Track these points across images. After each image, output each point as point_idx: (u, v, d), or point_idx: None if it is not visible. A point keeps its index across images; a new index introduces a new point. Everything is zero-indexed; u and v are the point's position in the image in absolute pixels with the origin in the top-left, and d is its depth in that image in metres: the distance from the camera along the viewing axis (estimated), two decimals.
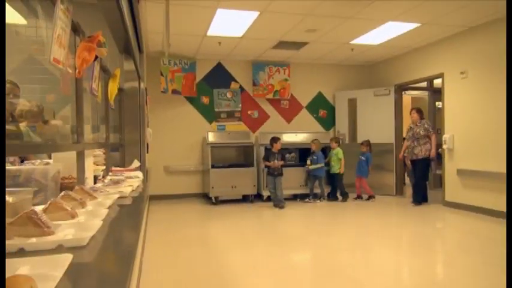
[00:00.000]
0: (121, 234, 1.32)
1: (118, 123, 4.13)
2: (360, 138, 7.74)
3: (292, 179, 7.16)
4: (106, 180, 2.45)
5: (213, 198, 6.95)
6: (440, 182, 6.99)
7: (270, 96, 7.96)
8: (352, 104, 8.13)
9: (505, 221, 5.14)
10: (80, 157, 2.06)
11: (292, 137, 7.41)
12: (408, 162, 6.87)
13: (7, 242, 0.97)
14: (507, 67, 4.75)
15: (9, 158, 1.93)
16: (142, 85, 4.60)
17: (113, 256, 1.07)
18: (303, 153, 7.39)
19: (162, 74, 7.17)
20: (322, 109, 8.40)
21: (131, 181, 2.48)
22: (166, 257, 3.97)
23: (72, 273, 0.83)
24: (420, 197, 6.56)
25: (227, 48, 6.90)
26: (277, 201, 6.47)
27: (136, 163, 3.67)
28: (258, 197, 7.15)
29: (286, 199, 6.95)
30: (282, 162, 6.60)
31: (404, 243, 4.53)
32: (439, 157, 6.75)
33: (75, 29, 1.82)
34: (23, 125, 1.37)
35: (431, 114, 8.71)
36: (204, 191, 7.58)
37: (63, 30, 1.46)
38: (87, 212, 1.43)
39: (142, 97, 4.51)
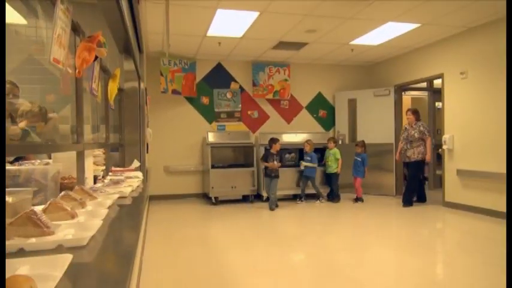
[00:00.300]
0: (121, 234, 1.32)
1: (118, 123, 4.13)
2: (360, 139, 7.74)
3: (292, 179, 7.17)
4: (106, 181, 2.45)
5: (213, 198, 6.95)
6: (440, 182, 6.99)
7: (270, 96, 7.96)
8: (352, 105, 8.13)
9: (504, 221, 5.14)
10: (80, 157, 2.06)
11: (292, 137, 7.41)
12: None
13: (7, 242, 0.97)
14: (507, 67, 4.76)
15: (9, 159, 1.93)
16: (142, 85, 4.59)
17: (113, 256, 1.07)
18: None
19: (162, 74, 7.17)
20: (322, 109, 8.40)
21: (131, 181, 2.48)
22: (166, 257, 3.96)
23: (72, 273, 0.83)
24: (411, 199, 6.47)
25: (227, 49, 6.90)
26: (271, 203, 6.42)
27: (136, 163, 3.67)
28: (258, 197, 7.15)
29: (286, 199, 6.96)
30: (279, 164, 6.56)
31: (404, 244, 4.53)
32: (439, 157, 6.74)
33: (75, 29, 1.81)
34: (22, 125, 1.37)
35: (431, 115, 8.73)
36: (204, 191, 7.58)
37: (63, 30, 1.46)
38: (87, 212, 1.43)
39: (142, 97, 4.51)
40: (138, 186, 2.41)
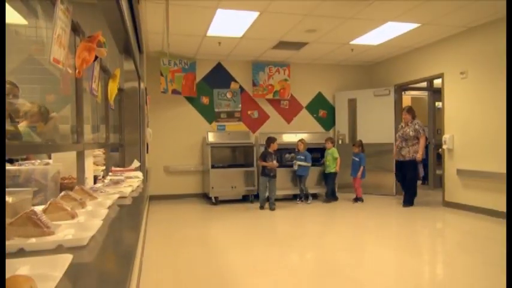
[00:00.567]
0: (121, 234, 1.32)
1: (118, 123, 4.13)
2: (360, 139, 7.74)
3: (292, 179, 7.16)
4: (106, 181, 2.44)
5: (213, 198, 6.95)
6: (440, 182, 6.99)
7: (270, 96, 7.96)
8: (352, 104, 8.13)
9: (505, 221, 5.14)
10: (80, 157, 2.06)
11: (292, 137, 7.40)
12: None
13: (7, 242, 0.97)
14: (507, 67, 4.76)
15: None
16: (142, 85, 4.59)
17: (113, 256, 1.07)
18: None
19: (162, 74, 7.17)
20: (322, 109, 8.40)
21: (131, 181, 2.48)
22: (166, 257, 3.96)
23: (72, 274, 0.83)
24: (411, 199, 6.42)
25: (227, 49, 6.90)
26: (270, 204, 6.39)
27: (136, 163, 3.67)
28: (258, 197, 7.14)
29: (285, 199, 6.95)
30: (277, 164, 6.53)
31: (404, 243, 4.52)
32: (439, 157, 6.71)
33: (75, 29, 1.81)
34: (23, 125, 1.37)
35: (431, 115, 8.73)
36: (204, 191, 7.58)
37: (63, 30, 1.46)
38: (87, 212, 1.43)
39: (142, 97, 4.51)
40: (138, 186, 2.41)
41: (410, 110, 6.53)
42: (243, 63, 7.86)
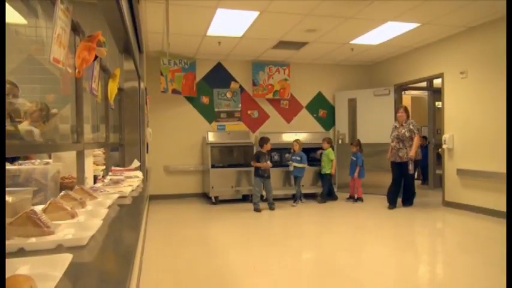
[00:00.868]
0: (121, 234, 1.32)
1: (118, 123, 4.13)
2: (360, 138, 7.74)
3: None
4: (106, 180, 2.44)
5: (212, 198, 6.95)
6: (440, 182, 6.99)
7: (270, 96, 7.96)
8: (352, 104, 8.13)
9: (505, 221, 5.14)
10: (80, 157, 2.06)
11: (292, 137, 7.40)
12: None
13: (7, 242, 0.97)
14: (507, 67, 4.76)
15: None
16: (142, 85, 4.59)
17: (113, 256, 1.07)
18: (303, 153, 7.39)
19: (162, 74, 7.17)
20: (322, 109, 8.40)
21: (131, 181, 2.48)
22: (166, 257, 3.97)
23: (72, 273, 0.83)
24: (412, 199, 6.40)
25: (227, 48, 6.90)
26: (269, 204, 6.37)
27: (136, 163, 3.67)
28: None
29: (284, 199, 6.94)
30: (271, 164, 6.46)
31: (404, 244, 4.52)
32: (438, 157, 6.67)
33: (75, 29, 1.81)
34: (26, 124, 1.37)
35: (431, 114, 8.73)
36: (204, 190, 7.58)
37: (63, 30, 1.46)
38: (87, 212, 1.43)
39: (142, 97, 4.51)
40: (138, 186, 2.41)
41: (406, 109, 6.46)
42: (243, 63, 7.86)
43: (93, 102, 2.76)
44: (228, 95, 7.86)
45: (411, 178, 6.42)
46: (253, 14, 5.12)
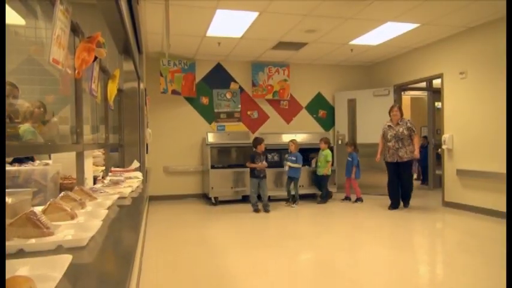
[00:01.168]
0: (121, 234, 1.32)
1: (117, 124, 4.13)
2: (360, 139, 7.75)
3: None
4: (105, 181, 2.44)
5: (212, 198, 6.95)
6: (440, 182, 6.99)
7: (270, 96, 7.96)
8: (352, 105, 8.13)
9: (505, 221, 5.14)
10: (80, 158, 2.06)
11: (292, 138, 7.41)
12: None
13: (7, 243, 0.97)
14: (507, 67, 4.76)
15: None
16: (141, 86, 4.59)
17: (113, 257, 1.07)
18: (301, 153, 7.38)
19: (161, 75, 7.17)
20: (322, 109, 8.40)
21: (131, 182, 2.48)
22: (166, 257, 3.96)
23: (71, 274, 0.83)
24: (409, 199, 6.35)
25: (226, 49, 6.90)
26: (264, 206, 6.29)
27: (135, 164, 3.67)
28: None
29: (284, 199, 6.93)
30: (266, 164, 6.41)
31: (404, 244, 4.52)
32: (438, 157, 6.68)
33: (75, 30, 1.81)
34: (27, 125, 1.37)
35: (430, 115, 8.73)
36: (204, 191, 7.57)
37: (63, 30, 1.46)
38: (86, 213, 1.43)
39: (142, 98, 4.51)
40: (137, 187, 2.40)
41: (400, 107, 6.41)
42: (243, 63, 7.86)
43: (93, 103, 2.77)
44: (228, 95, 7.86)
45: (411, 178, 6.42)
46: (253, 15, 5.13)
